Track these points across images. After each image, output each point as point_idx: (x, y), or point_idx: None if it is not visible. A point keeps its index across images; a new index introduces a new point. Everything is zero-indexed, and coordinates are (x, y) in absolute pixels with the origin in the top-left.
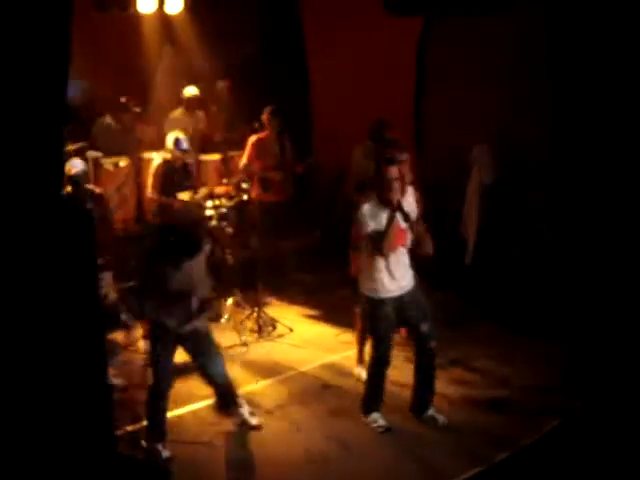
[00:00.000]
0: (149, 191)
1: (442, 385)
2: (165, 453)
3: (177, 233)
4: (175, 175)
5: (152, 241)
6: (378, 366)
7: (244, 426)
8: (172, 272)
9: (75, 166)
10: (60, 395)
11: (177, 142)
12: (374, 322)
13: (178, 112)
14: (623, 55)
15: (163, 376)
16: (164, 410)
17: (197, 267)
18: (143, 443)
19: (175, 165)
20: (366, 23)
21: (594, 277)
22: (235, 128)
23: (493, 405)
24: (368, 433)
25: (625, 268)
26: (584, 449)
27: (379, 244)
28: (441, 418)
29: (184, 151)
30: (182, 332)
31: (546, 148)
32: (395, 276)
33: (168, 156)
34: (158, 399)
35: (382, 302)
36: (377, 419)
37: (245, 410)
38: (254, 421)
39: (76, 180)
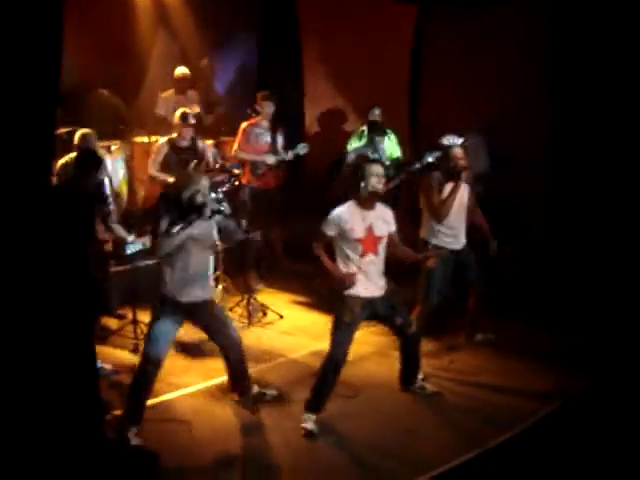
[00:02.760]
0: (149, 169)
1: (439, 370)
2: (134, 440)
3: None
4: (178, 154)
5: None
6: (331, 371)
7: (262, 398)
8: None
9: None
10: (48, 378)
11: (184, 116)
12: (339, 319)
13: (169, 92)
14: (625, 46)
15: (159, 355)
16: (148, 392)
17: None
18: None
19: (180, 144)
20: (362, 8)
21: (592, 266)
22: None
23: (491, 389)
24: (358, 419)
25: (623, 257)
26: (581, 433)
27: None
28: (429, 387)
29: (191, 125)
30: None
31: (545, 138)
32: (367, 279)
33: (173, 136)
34: (151, 382)
35: (351, 299)
36: (309, 420)
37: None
38: (272, 391)
39: None
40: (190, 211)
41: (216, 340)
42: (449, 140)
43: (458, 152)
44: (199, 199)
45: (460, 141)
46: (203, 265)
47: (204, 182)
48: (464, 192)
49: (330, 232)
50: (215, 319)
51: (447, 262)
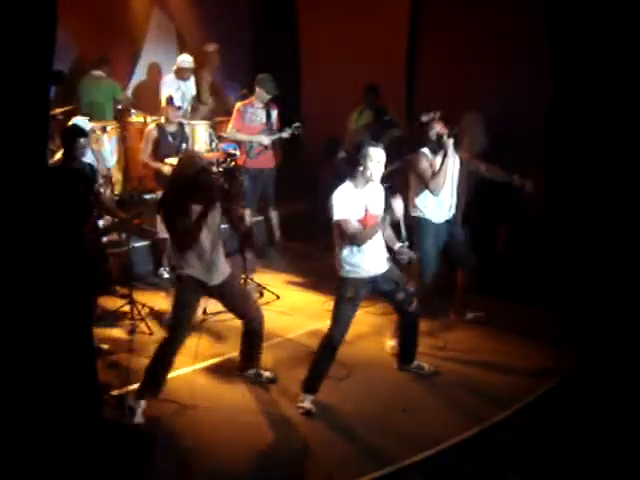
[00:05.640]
0: (141, 155)
1: (435, 349)
2: (138, 419)
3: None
4: (168, 139)
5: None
6: (330, 348)
7: (258, 379)
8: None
9: None
10: (45, 360)
11: (170, 100)
12: (341, 296)
13: (170, 77)
14: (627, 26)
15: (183, 333)
16: (169, 367)
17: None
18: (129, 400)
19: (169, 129)
20: None
21: (589, 244)
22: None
23: (488, 368)
24: (355, 398)
25: (619, 235)
26: (580, 410)
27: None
28: (426, 366)
29: (178, 107)
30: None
31: (543, 115)
32: (369, 258)
33: (162, 120)
34: (171, 354)
35: (353, 281)
36: (306, 400)
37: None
38: (268, 373)
39: None
40: (196, 192)
41: (237, 313)
42: (428, 116)
43: (438, 125)
44: (203, 178)
45: (438, 114)
46: (216, 245)
47: (205, 163)
48: (455, 162)
49: (346, 215)
50: (236, 293)
51: (439, 236)
